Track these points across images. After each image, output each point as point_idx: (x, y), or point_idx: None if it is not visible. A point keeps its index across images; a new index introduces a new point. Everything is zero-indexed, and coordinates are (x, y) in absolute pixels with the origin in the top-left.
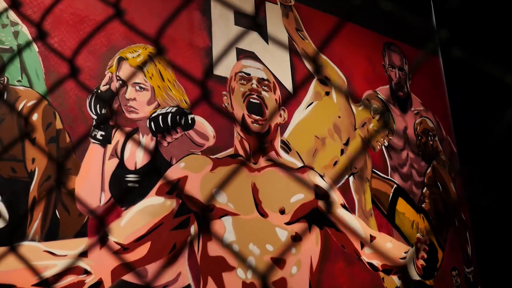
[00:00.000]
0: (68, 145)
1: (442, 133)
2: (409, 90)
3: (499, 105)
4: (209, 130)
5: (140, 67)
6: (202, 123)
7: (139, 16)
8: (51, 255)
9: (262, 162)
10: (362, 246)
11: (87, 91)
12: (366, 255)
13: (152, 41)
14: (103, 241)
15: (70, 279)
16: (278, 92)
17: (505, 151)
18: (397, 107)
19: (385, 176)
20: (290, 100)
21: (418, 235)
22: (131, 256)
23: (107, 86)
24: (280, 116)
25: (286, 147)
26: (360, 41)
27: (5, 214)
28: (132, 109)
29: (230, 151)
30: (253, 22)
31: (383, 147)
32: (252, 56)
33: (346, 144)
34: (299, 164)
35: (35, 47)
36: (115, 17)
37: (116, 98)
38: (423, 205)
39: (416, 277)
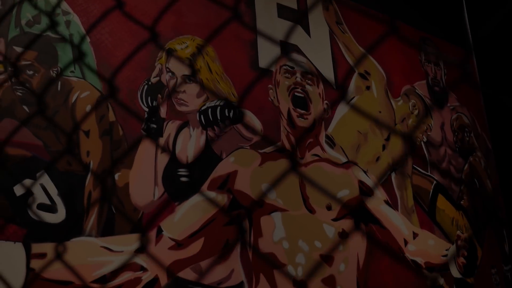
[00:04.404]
0: (121, 138)
1: (477, 129)
2: (445, 85)
3: None
4: (257, 124)
5: (189, 59)
6: (249, 117)
7: (188, 6)
8: (108, 251)
9: (308, 157)
10: (406, 243)
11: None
12: (410, 252)
13: None
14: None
15: (127, 275)
16: (321, 86)
17: None
18: (434, 102)
19: (425, 172)
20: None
21: (458, 232)
22: (186, 252)
23: (158, 78)
24: (324, 110)
25: (331, 142)
26: (396, 35)
27: (62, 208)
28: (182, 101)
29: (277, 145)
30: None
31: (422, 142)
32: (296, 49)
33: (387, 139)
34: (344, 159)
35: (87, 37)
36: None
37: (166, 90)
38: (461, 202)
39: (457, 275)
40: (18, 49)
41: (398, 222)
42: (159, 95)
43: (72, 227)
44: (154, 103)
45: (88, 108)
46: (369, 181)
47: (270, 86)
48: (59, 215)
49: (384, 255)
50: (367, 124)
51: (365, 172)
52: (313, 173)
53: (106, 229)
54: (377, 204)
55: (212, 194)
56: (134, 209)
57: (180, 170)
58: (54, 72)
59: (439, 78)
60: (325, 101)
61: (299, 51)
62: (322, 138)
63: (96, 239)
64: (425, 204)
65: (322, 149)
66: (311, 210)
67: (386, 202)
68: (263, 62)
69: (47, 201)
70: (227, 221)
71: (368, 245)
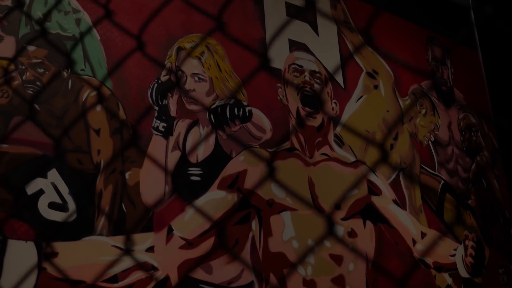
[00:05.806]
0: (132, 137)
1: (484, 128)
2: (451, 84)
3: None
4: (266, 123)
5: (198, 57)
6: (259, 116)
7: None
8: (119, 250)
9: (317, 156)
10: (414, 242)
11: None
12: (418, 252)
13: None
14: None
15: (138, 275)
16: (329, 85)
17: None
18: (441, 101)
19: (433, 172)
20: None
21: (466, 232)
22: (196, 252)
23: (167, 77)
24: (332, 109)
25: (339, 141)
26: (404, 34)
27: (73, 207)
28: (192, 100)
29: (286, 144)
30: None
31: (429, 142)
32: (304, 48)
33: (395, 139)
34: (352, 159)
35: (97, 35)
36: None
37: (176, 89)
38: (469, 202)
39: (465, 274)
40: (29, 47)
41: (406, 222)
42: (169, 94)
43: (83, 226)
44: (164, 102)
45: (98, 107)
46: (377, 180)
47: (279, 85)
48: (70, 214)
49: (392, 254)
50: (375, 123)
51: (373, 171)
52: (322, 172)
53: (117, 228)
54: (386, 203)
55: (222, 193)
56: (145, 208)
57: (190, 169)
58: (65, 70)
59: (446, 77)
60: (334, 100)
61: (308, 50)
62: (331, 137)
63: (107, 238)
64: (433, 204)
65: (331, 148)
66: (320, 209)
67: (395, 201)
68: (272, 61)
69: (58, 200)
70: (237, 221)
71: (376, 245)
